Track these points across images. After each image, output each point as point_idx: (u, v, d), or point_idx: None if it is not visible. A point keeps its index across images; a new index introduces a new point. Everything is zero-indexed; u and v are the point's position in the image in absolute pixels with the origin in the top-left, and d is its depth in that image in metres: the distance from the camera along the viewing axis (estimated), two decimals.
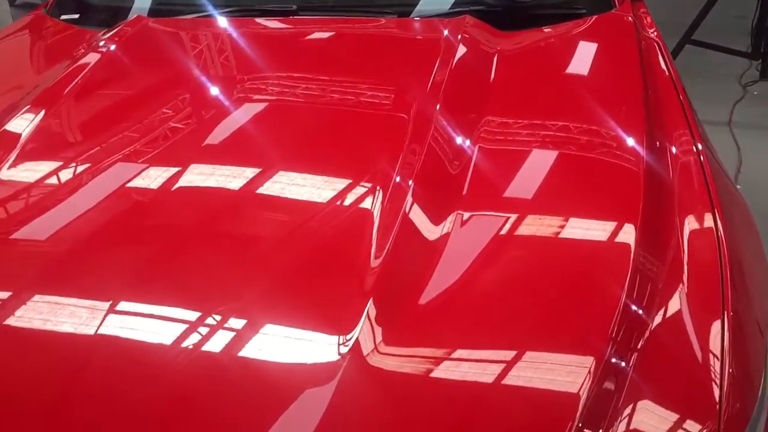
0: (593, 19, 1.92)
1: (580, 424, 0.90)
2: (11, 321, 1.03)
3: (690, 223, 1.24)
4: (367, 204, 1.23)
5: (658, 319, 1.07)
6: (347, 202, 1.24)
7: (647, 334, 1.04)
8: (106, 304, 1.03)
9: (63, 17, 2.13)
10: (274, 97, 1.62)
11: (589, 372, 0.95)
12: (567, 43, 1.87)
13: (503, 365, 0.97)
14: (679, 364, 1.02)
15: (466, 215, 1.22)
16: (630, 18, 1.92)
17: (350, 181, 1.30)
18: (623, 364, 0.99)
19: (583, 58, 1.77)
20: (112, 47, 1.82)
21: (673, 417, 0.95)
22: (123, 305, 1.04)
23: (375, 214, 1.19)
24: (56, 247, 1.18)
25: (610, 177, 1.34)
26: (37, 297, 1.07)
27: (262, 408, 0.91)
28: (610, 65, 1.77)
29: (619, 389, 0.96)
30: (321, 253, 1.15)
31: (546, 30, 1.88)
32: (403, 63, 1.73)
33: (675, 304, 1.10)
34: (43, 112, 1.55)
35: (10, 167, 1.38)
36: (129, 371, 0.95)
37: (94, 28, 2.00)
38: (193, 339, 0.99)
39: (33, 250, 1.19)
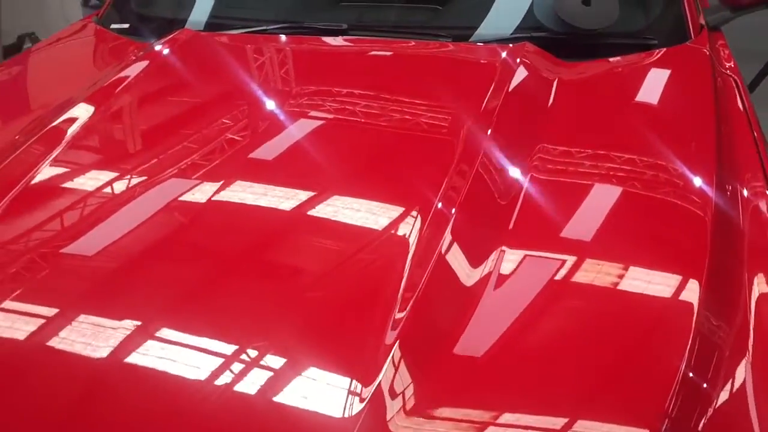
0: (665, 50, 1.77)
1: None
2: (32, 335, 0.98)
3: (759, 282, 1.10)
4: (404, 232, 1.14)
5: (721, 394, 0.93)
6: (384, 231, 1.15)
7: (709, 411, 0.90)
8: (126, 322, 0.98)
9: (113, 27, 2.10)
10: (320, 116, 1.53)
11: None
12: (633, 74, 1.73)
13: None
14: None
15: (511, 254, 1.11)
16: (706, 51, 1.78)
17: (391, 207, 1.21)
18: None
19: (650, 91, 1.63)
20: (157, 58, 1.77)
21: None
22: (142, 326, 0.99)
23: (411, 244, 1.10)
24: (87, 257, 1.14)
25: (674, 222, 1.22)
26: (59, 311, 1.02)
27: None
28: (679, 100, 1.63)
29: None
30: (352, 288, 1.06)
31: (612, 60, 1.74)
32: (456, 87, 1.62)
33: (740, 376, 0.96)
34: (84, 117, 1.53)
35: (50, 166, 1.36)
36: (140, 395, 0.91)
37: (144, 40, 1.96)
38: (211, 372, 0.92)
39: (62, 258, 1.15)
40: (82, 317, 1.00)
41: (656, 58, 1.74)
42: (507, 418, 0.88)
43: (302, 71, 1.77)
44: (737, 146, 1.44)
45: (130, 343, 0.95)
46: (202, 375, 0.92)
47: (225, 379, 0.91)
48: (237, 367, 0.93)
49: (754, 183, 1.33)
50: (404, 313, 0.98)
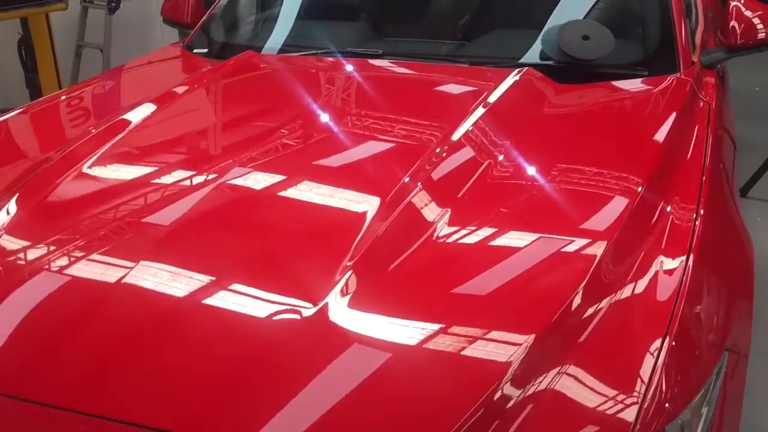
0: (650, 79, 2.05)
1: (502, 388, 1.04)
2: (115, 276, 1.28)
3: (661, 257, 1.34)
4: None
5: (602, 319, 1.19)
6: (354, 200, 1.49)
7: (588, 330, 1.17)
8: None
9: (195, 51, 2.53)
10: (341, 125, 1.88)
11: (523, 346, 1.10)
12: (610, 95, 2.02)
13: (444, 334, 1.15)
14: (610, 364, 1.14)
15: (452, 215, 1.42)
16: (690, 82, 2.03)
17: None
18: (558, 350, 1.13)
19: (619, 109, 1.94)
20: (217, 74, 2.19)
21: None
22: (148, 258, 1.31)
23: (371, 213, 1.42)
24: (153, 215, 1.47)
25: (595, 207, 1.48)
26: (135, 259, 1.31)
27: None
28: (643, 118, 1.90)
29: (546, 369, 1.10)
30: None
31: (599, 85, 2.04)
32: (442, 102, 1.99)
33: (622, 311, 1.22)
34: (145, 114, 1.92)
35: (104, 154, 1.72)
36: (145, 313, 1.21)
37: (215, 58, 2.38)
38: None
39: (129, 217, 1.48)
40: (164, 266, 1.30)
41: (638, 84, 2.02)
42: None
43: (333, 88, 2.17)
44: (681, 172, 1.63)
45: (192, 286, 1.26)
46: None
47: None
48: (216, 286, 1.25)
49: (681, 204, 1.50)
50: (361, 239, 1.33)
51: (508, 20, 2.44)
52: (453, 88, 2.08)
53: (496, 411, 1.03)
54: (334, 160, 1.66)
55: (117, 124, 1.86)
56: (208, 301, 1.21)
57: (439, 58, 2.25)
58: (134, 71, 2.49)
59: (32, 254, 1.36)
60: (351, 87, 2.11)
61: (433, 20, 2.48)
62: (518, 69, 2.04)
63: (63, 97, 2.22)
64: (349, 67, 2.22)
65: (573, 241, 1.35)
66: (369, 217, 1.39)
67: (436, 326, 1.15)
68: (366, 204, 1.45)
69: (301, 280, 1.26)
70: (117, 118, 1.90)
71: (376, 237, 1.32)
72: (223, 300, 1.22)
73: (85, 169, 1.64)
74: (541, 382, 1.08)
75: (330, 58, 2.27)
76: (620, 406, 1.06)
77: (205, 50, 2.52)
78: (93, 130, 1.86)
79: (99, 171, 1.66)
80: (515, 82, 1.94)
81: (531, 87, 1.98)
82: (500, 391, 1.05)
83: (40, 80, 4.82)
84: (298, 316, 1.16)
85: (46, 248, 1.38)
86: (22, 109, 2.14)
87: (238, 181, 1.53)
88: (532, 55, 2.16)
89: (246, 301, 1.21)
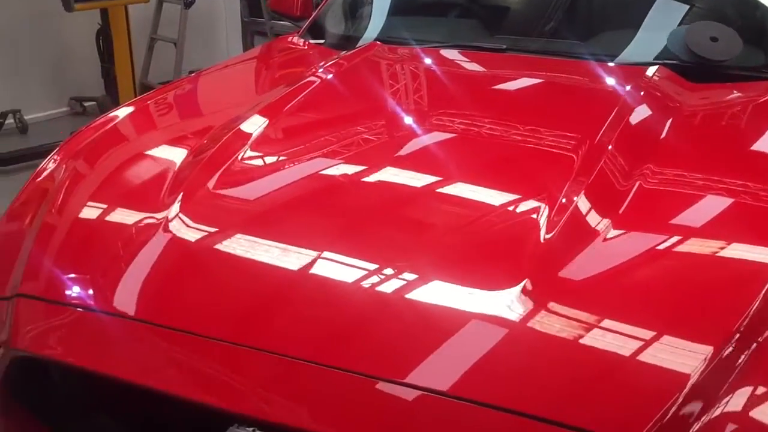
0: None
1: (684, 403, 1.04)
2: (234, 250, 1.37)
3: None
4: (533, 211, 1.45)
5: None
6: (515, 209, 1.48)
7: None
8: (311, 251, 1.33)
9: (311, 41, 2.60)
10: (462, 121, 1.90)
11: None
12: (752, 104, 2.04)
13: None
14: None
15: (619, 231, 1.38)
16: None
17: (519, 196, 1.51)
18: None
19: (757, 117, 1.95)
20: (347, 64, 2.21)
21: None
22: (326, 253, 1.33)
23: (543, 219, 1.39)
24: (273, 206, 1.54)
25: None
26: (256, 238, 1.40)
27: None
28: None
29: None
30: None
31: (737, 88, 2.07)
32: (583, 102, 1.97)
33: None
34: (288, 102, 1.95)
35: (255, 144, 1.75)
36: (320, 297, 1.25)
37: (335, 49, 2.44)
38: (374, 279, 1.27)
39: (256, 207, 1.55)
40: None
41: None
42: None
43: (456, 82, 2.18)
44: None
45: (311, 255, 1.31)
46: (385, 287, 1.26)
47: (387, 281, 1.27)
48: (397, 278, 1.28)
49: None
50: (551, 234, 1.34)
51: (619, 19, 2.47)
52: (591, 87, 2.12)
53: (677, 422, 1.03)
54: (488, 159, 1.68)
55: (282, 99, 1.93)
56: (408, 294, 1.24)
57: (561, 54, 2.28)
58: (263, 58, 2.56)
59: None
60: (487, 83, 2.15)
61: (545, 18, 2.52)
62: (650, 68, 2.07)
63: (215, 70, 2.33)
64: (476, 62, 2.27)
65: (749, 250, 1.34)
66: (538, 223, 1.38)
67: (616, 335, 1.15)
68: (531, 210, 1.45)
69: (480, 280, 1.27)
70: (276, 96, 1.96)
71: (548, 243, 1.32)
72: (418, 291, 1.26)
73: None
74: (722, 394, 1.07)
75: (453, 52, 2.32)
76: None
77: (322, 41, 2.58)
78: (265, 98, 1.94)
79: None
80: (652, 81, 1.98)
81: (669, 86, 2.01)
82: (681, 401, 1.04)
83: (116, 71, 4.92)
84: (481, 316, 1.18)
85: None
86: (193, 75, 2.37)
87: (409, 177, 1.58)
88: (656, 53, 2.20)
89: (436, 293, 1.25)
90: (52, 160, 1.81)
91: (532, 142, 1.76)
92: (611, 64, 2.17)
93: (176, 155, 1.72)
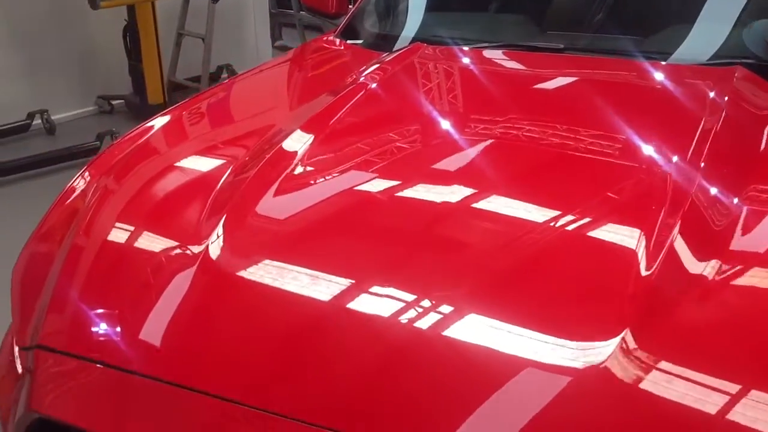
0: None
1: None
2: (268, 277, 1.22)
3: None
4: (625, 242, 1.23)
5: None
6: (603, 239, 1.27)
7: None
8: (344, 279, 1.19)
9: (349, 42, 2.44)
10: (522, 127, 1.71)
11: None
12: None
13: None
14: None
15: (728, 267, 1.17)
16: None
17: (606, 223, 1.30)
18: None
19: None
20: (392, 69, 2.04)
21: None
22: (361, 282, 1.18)
23: (640, 254, 1.19)
24: (334, 240, 1.34)
25: None
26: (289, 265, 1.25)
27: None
28: None
29: None
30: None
31: None
32: (665, 116, 1.73)
33: None
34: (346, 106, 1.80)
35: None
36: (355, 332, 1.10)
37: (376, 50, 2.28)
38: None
39: (295, 227, 1.38)
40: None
41: None
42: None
43: (504, 86, 1.99)
44: None
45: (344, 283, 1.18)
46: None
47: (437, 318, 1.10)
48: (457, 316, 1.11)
49: None
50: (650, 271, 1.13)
51: (684, 12, 2.26)
52: (669, 93, 1.90)
53: None
54: (564, 178, 1.47)
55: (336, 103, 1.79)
56: (482, 339, 1.06)
57: (623, 54, 2.08)
58: (300, 61, 2.40)
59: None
60: (548, 88, 1.97)
61: (603, 11, 2.33)
62: (728, 69, 1.88)
63: (251, 75, 2.21)
64: (530, 65, 2.10)
65: None
66: (635, 256, 1.18)
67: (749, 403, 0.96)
68: (623, 240, 1.24)
69: (566, 327, 1.08)
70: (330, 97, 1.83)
71: (648, 282, 1.13)
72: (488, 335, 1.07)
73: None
74: None
75: (500, 52, 2.15)
76: None
77: (361, 41, 2.42)
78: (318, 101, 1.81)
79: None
80: (734, 85, 1.79)
81: (751, 89, 1.81)
82: None
83: (144, 68, 4.80)
84: (571, 374, 1.00)
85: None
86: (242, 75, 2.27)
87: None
88: (732, 51, 2.00)
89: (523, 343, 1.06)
90: (82, 179, 1.67)
91: (613, 157, 1.55)
92: (684, 64, 1.97)
93: (216, 173, 1.56)
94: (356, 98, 1.81)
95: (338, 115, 1.73)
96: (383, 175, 1.50)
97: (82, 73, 5.06)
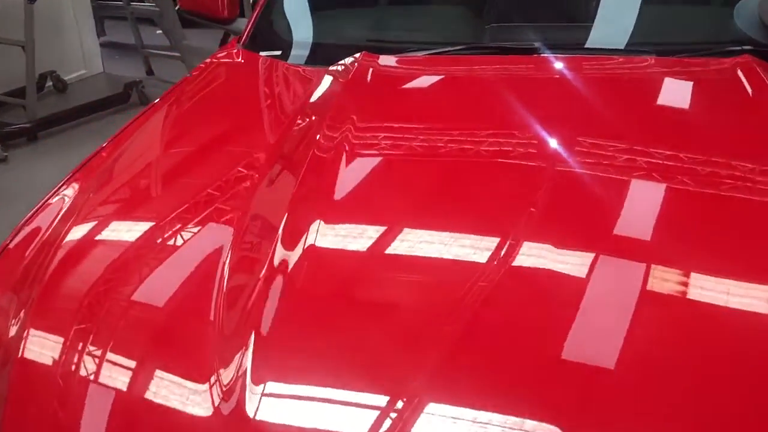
0: None
1: None
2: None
3: None
4: None
5: None
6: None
7: None
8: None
9: (264, 54, 1.96)
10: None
11: None
12: None
13: None
14: None
15: None
16: None
17: None
18: None
19: None
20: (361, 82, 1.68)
21: None
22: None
23: None
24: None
25: None
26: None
27: None
28: None
29: None
30: None
31: None
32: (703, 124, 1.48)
33: None
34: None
35: None
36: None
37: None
38: None
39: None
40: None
41: None
42: None
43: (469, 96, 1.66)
44: None
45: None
46: None
47: None
48: None
49: None
50: None
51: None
52: (679, 91, 1.60)
53: None
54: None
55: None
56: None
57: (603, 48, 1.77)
58: (221, 88, 1.90)
59: None
60: (547, 93, 1.62)
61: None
62: (731, 58, 1.63)
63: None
64: (500, 70, 1.74)
65: None
66: None
67: None
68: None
69: None
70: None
71: None
72: None
73: None
74: None
75: (463, 58, 1.78)
76: None
77: (278, 52, 1.95)
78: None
79: None
80: (756, 83, 1.53)
81: None
82: None
83: None
84: None
85: None
86: None
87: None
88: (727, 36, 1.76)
89: None
90: None
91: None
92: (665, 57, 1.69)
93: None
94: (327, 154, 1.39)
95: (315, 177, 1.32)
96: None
97: None
